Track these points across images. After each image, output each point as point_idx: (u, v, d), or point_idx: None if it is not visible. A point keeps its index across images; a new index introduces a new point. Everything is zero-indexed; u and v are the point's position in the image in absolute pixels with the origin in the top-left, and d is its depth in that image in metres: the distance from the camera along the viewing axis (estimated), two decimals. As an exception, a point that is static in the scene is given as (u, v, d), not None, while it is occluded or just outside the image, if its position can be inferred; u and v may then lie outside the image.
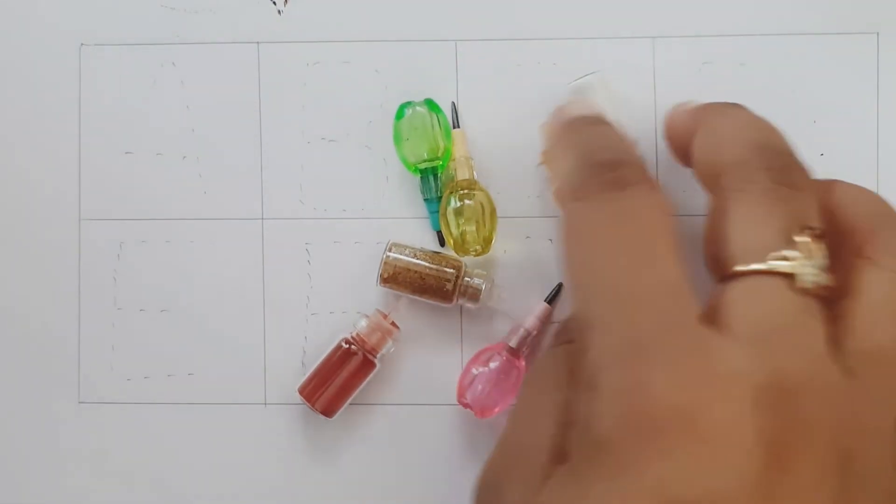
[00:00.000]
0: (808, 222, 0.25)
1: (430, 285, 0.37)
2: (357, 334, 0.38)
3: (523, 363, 0.37)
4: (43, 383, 0.40)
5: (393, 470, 0.39)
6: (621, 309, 0.23)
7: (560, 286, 0.39)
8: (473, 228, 0.37)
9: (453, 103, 0.39)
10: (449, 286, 0.37)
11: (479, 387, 0.37)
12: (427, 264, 0.37)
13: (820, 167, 0.38)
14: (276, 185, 0.40)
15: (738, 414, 0.21)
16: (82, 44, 0.41)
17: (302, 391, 0.38)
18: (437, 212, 0.38)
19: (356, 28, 0.40)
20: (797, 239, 0.24)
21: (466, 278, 0.38)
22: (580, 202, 0.26)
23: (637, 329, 0.22)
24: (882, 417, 0.23)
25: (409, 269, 0.37)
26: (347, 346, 0.38)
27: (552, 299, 0.38)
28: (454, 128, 0.39)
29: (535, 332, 0.38)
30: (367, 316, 0.38)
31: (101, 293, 0.40)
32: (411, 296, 0.38)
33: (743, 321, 0.23)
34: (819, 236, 0.24)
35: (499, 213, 0.39)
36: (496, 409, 0.37)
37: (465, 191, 0.38)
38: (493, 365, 0.37)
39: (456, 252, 0.38)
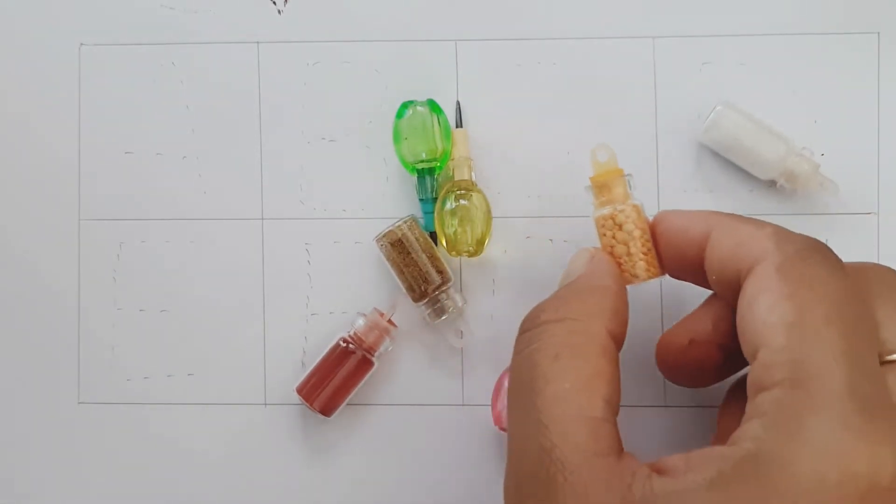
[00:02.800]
0: None
1: (413, 275, 0.37)
2: (355, 333, 0.38)
3: None
4: (43, 383, 0.40)
5: (393, 470, 0.39)
6: (848, 370, 0.24)
7: None
8: (467, 229, 0.37)
9: (458, 102, 0.39)
10: (425, 288, 0.37)
11: None
12: (425, 258, 0.38)
13: (821, 165, 0.38)
14: (276, 185, 0.40)
15: None
16: (82, 44, 0.41)
17: (300, 391, 0.38)
18: (432, 212, 0.38)
19: (356, 28, 0.40)
20: None
21: (443, 294, 0.38)
22: (815, 267, 0.27)
23: (860, 400, 0.24)
24: None
25: (407, 251, 0.37)
26: (345, 345, 0.38)
27: None
28: (457, 127, 0.39)
29: None
30: (364, 315, 0.38)
31: (101, 293, 0.40)
32: (390, 267, 0.38)
33: None
34: None
35: (498, 213, 0.39)
36: None
37: (462, 191, 0.38)
38: None
39: (448, 252, 0.38)
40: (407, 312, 0.39)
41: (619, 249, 0.33)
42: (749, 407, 0.25)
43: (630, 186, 0.34)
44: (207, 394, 0.40)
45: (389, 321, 0.38)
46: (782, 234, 0.28)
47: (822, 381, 0.24)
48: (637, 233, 0.33)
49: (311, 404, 0.38)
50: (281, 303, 0.40)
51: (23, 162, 0.41)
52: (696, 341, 0.32)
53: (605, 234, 0.34)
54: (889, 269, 0.29)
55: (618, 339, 0.30)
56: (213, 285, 0.40)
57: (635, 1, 0.40)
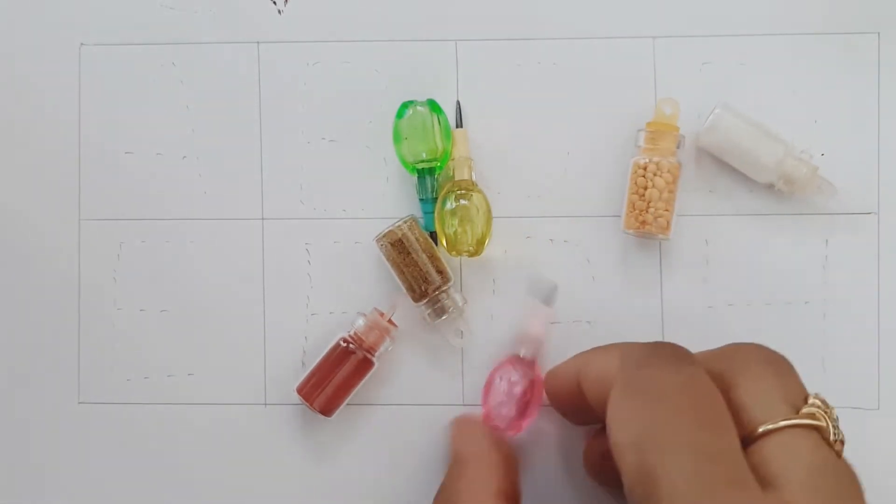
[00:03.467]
0: (804, 391, 0.28)
1: (413, 275, 0.37)
2: (355, 333, 0.38)
3: (539, 370, 0.37)
4: (43, 383, 0.40)
5: (393, 470, 0.39)
6: (694, 469, 0.24)
7: (556, 287, 0.39)
8: (467, 229, 0.37)
9: (458, 102, 0.39)
10: (425, 288, 0.37)
11: (504, 411, 0.37)
12: (425, 258, 0.37)
13: (820, 167, 0.38)
14: (276, 185, 0.40)
15: None
16: (82, 44, 0.41)
17: (300, 390, 0.38)
18: (432, 212, 0.38)
19: (356, 28, 0.40)
20: (812, 399, 0.27)
21: (443, 294, 0.38)
22: (649, 369, 0.28)
23: (709, 489, 0.24)
24: None
25: (407, 251, 0.37)
26: (346, 344, 0.38)
27: (550, 300, 0.38)
28: (457, 127, 0.39)
29: (543, 339, 0.38)
30: (364, 315, 0.38)
31: (101, 293, 0.40)
32: (390, 267, 0.38)
33: (792, 471, 0.25)
34: (824, 403, 0.27)
35: (499, 212, 0.39)
36: (525, 424, 0.37)
37: (462, 191, 0.38)
38: (517, 390, 0.37)
39: (448, 252, 0.38)
40: (407, 312, 0.39)
41: (649, 194, 0.37)
42: None
43: (678, 145, 0.37)
44: (207, 394, 0.40)
45: (389, 321, 0.38)
46: (626, 352, 0.30)
47: (669, 483, 0.24)
48: (664, 186, 0.37)
49: (311, 404, 0.38)
50: (281, 303, 0.40)
51: (23, 162, 0.41)
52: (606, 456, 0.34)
53: (636, 181, 0.37)
54: (756, 346, 0.30)
55: (509, 496, 0.33)
56: (213, 285, 0.40)
57: (635, 1, 0.40)
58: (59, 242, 0.41)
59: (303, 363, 0.40)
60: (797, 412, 0.27)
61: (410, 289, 0.38)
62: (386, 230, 0.38)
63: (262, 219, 0.40)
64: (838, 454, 0.27)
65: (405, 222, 0.38)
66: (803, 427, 0.26)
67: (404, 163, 0.39)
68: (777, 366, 0.29)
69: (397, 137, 0.39)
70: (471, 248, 0.38)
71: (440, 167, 0.39)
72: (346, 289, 0.40)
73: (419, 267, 0.37)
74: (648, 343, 0.30)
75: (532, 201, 0.40)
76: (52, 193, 0.41)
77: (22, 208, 0.41)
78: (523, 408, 0.37)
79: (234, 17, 0.41)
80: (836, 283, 0.39)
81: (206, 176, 0.40)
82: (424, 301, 0.38)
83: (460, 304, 0.38)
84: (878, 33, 0.39)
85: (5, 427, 0.40)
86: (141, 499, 0.40)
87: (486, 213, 0.38)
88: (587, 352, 0.33)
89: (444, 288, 0.38)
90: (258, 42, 0.41)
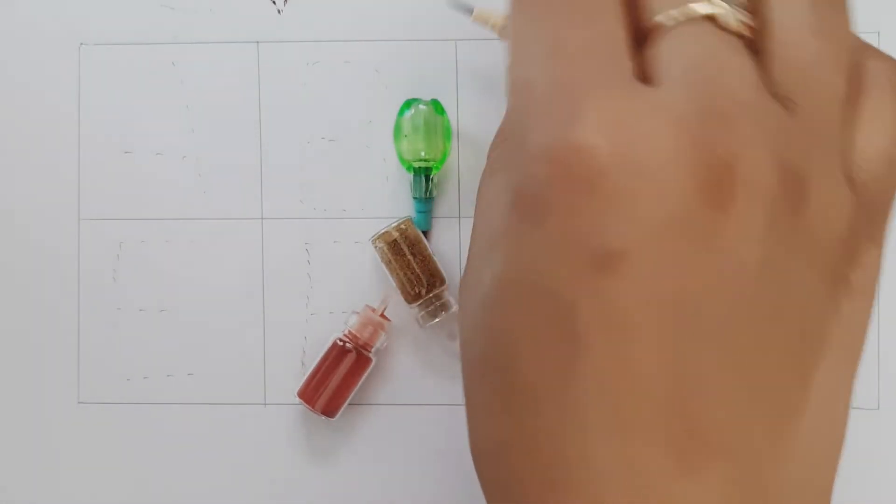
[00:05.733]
0: None
1: (408, 276, 0.37)
2: (350, 331, 0.38)
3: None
4: (42, 383, 0.40)
5: (393, 470, 0.39)
6: (557, 61, 0.21)
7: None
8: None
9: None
10: (419, 290, 0.37)
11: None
12: (419, 260, 0.37)
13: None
14: (276, 185, 0.40)
15: (672, 149, 0.19)
16: (82, 43, 0.41)
17: (301, 394, 0.38)
18: (424, 211, 0.39)
19: (356, 28, 0.40)
20: None
21: (437, 297, 0.38)
22: None
23: (570, 80, 0.20)
24: (827, 150, 0.21)
25: (402, 252, 0.37)
26: (342, 343, 0.38)
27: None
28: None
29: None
30: (357, 312, 0.38)
31: (101, 293, 0.40)
32: (385, 269, 0.38)
33: (672, 66, 0.21)
34: None
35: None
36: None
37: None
38: None
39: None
40: (406, 312, 0.39)
41: None
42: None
43: None
44: (207, 394, 0.40)
45: (382, 315, 0.38)
46: None
47: (528, 89, 0.21)
48: None
49: (313, 407, 0.38)
50: (281, 303, 0.40)
51: (23, 162, 0.41)
52: None
53: None
54: None
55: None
56: (213, 285, 0.40)
57: (635, 1, 0.40)
58: (59, 242, 0.41)
59: (302, 363, 0.40)
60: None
61: (404, 290, 0.38)
62: (381, 231, 0.38)
63: (262, 219, 0.40)
64: (740, 35, 0.22)
65: (401, 223, 0.38)
66: (697, 20, 0.21)
67: (402, 160, 0.39)
68: None
69: (398, 134, 0.39)
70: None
71: (437, 167, 0.39)
72: (345, 289, 0.40)
73: (413, 269, 0.37)
74: None
75: (532, 201, 0.40)
76: (52, 193, 0.41)
77: (21, 208, 0.41)
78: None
79: (234, 17, 0.41)
80: (836, 282, 0.39)
81: (206, 176, 0.40)
82: (418, 303, 0.38)
83: (453, 306, 0.38)
84: (878, 33, 0.39)
85: (5, 427, 0.40)
86: (141, 499, 0.40)
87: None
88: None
89: (438, 290, 0.38)
90: (258, 42, 0.41)
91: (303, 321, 0.40)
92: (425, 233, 0.39)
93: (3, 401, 0.40)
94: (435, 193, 0.39)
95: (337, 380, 0.38)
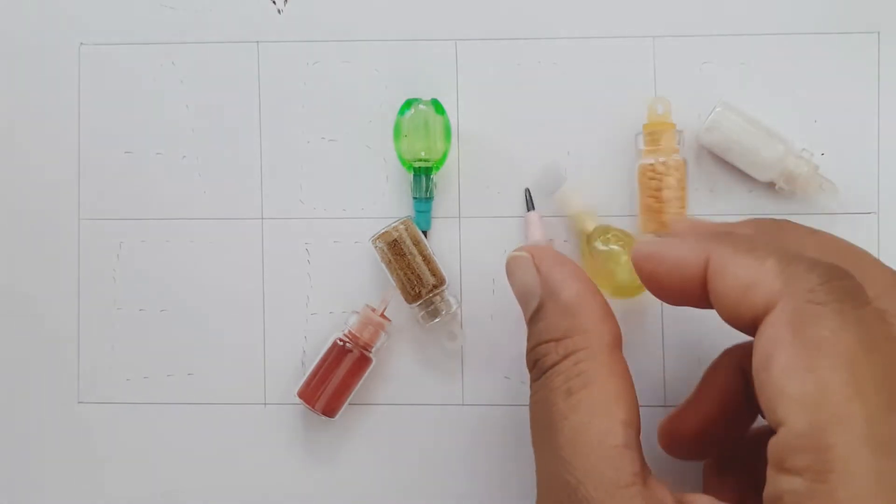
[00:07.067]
0: None
1: (408, 276, 0.37)
2: (350, 331, 0.38)
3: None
4: (42, 383, 0.40)
5: (393, 470, 0.39)
6: (876, 461, 0.23)
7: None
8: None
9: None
10: (420, 290, 0.37)
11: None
12: (419, 260, 0.37)
13: (820, 167, 0.38)
14: (276, 185, 0.40)
15: None
16: (82, 43, 0.41)
17: (301, 394, 0.38)
18: (424, 211, 0.39)
19: (356, 28, 0.40)
20: None
21: (437, 297, 0.38)
22: (821, 306, 0.25)
23: (890, 490, 0.22)
24: None
25: (402, 252, 0.37)
26: (342, 343, 0.38)
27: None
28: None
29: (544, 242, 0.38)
30: (357, 312, 0.38)
31: (101, 293, 0.40)
32: (385, 268, 0.38)
33: None
34: None
35: (499, 212, 0.39)
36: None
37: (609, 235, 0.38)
38: None
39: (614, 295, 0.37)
40: (406, 312, 0.39)
41: (665, 195, 0.37)
42: (769, 484, 0.24)
43: (678, 142, 0.37)
44: (207, 394, 0.40)
45: (382, 315, 0.38)
46: (789, 270, 0.25)
47: (846, 474, 0.22)
48: (676, 184, 0.37)
49: (313, 407, 0.38)
50: (281, 303, 0.40)
51: (23, 162, 0.41)
52: (707, 431, 0.32)
53: (644, 183, 0.37)
54: None
55: (618, 342, 0.29)
56: (213, 285, 0.40)
57: (635, 1, 0.40)
58: (59, 242, 0.41)
59: (302, 363, 0.40)
60: None
61: (404, 290, 0.38)
62: (381, 231, 0.38)
63: (262, 218, 0.40)
64: None
65: (401, 223, 0.38)
66: None
67: (402, 160, 0.39)
68: None
69: (397, 134, 0.39)
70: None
71: (437, 167, 0.39)
72: (345, 289, 0.40)
73: (414, 269, 0.37)
74: (811, 259, 0.26)
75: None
76: (52, 193, 0.41)
77: (21, 208, 0.41)
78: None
79: (234, 17, 0.41)
80: (836, 282, 0.39)
81: (206, 176, 0.40)
82: (418, 303, 0.38)
83: (454, 306, 0.38)
84: (878, 33, 0.39)
85: (5, 427, 0.40)
86: (141, 499, 0.40)
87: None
88: (713, 240, 0.28)
89: (439, 290, 0.38)
90: (258, 42, 0.41)
91: (303, 321, 0.40)
92: (425, 233, 0.39)
93: (3, 401, 0.40)
94: (435, 193, 0.39)
95: (337, 380, 0.38)
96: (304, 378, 0.38)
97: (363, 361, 0.38)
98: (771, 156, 0.37)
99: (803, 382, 0.24)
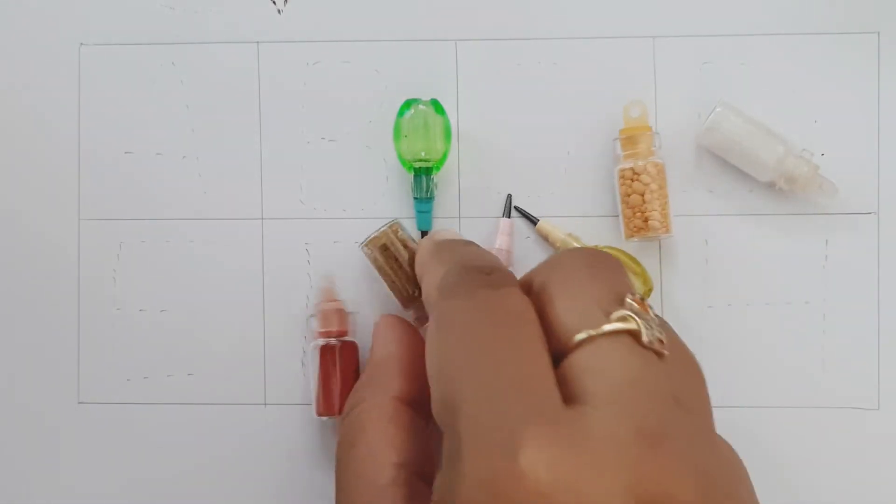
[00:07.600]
0: (623, 292, 0.26)
1: (401, 280, 0.37)
2: (319, 332, 0.38)
3: None
4: (42, 383, 0.40)
5: (393, 470, 0.39)
6: (491, 396, 0.23)
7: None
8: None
9: (509, 196, 0.39)
10: (413, 292, 0.37)
11: None
12: (411, 260, 0.37)
13: (820, 167, 0.38)
14: (276, 185, 0.40)
15: (610, 479, 0.21)
16: (82, 44, 0.41)
17: (321, 412, 0.37)
18: (425, 211, 0.39)
19: (356, 28, 0.40)
20: (628, 301, 0.25)
21: None
22: (455, 299, 0.27)
23: (505, 415, 0.23)
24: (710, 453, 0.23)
25: (394, 256, 0.37)
26: (324, 342, 0.38)
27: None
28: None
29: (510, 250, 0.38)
30: (313, 315, 0.38)
31: (101, 293, 0.40)
32: (378, 275, 0.38)
33: (597, 385, 0.23)
34: (641, 300, 0.26)
35: (497, 213, 0.39)
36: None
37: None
38: None
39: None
40: (405, 315, 0.39)
41: (635, 200, 0.37)
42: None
43: (655, 145, 0.38)
44: (207, 394, 0.40)
45: (333, 300, 0.38)
46: (446, 272, 0.29)
47: (467, 418, 0.23)
48: (654, 187, 0.37)
49: (337, 415, 0.37)
50: (281, 303, 0.40)
51: (23, 162, 0.41)
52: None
53: (623, 185, 0.38)
54: (578, 251, 0.29)
55: (411, 399, 0.33)
56: (213, 285, 0.40)
57: (635, 1, 0.40)
58: (59, 242, 0.41)
59: (302, 363, 0.40)
60: (619, 306, 0.25)
61: (398, 294, 0.37)
62: (371, 236, 0.37)
63: (262, 219, 0.40)
64: (658, 354, 0.25)
65: (390, 227, 0.37)
66: (615, 333, 0.24)
67: (402, 160, 0.39)
68: (594, 269, 0.27)
69: (397, 134, 0.39)
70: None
71: (437, 167, 0.39)
72: (345, 289, 0.40)
73: (406, 271, 0.37)
74: (470, 265, 0.29)
75: (532, 201, 0.40)
76: (52, 193, 0.41)
77: (21, 208, 0.41)
78: None
79: (234, 17, 0.41)
80: (836, 283, 0.39)
81: (206, 176, 0.40)
82: (414, 305, 0.38)
83: None
84: (878, 33, 0.39)
85: (5, 427, 0.40)
86: (141, 499, 0.40)
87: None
88: (432, 254, 0.32)
89: None
90: (258, 42, 0.41)
91: (303, 321, 0.40)
92: (425, 233, 0.39)
93: (3, 401, 0.40)
94: (435, 193, 0.39)
95: (339, 378, 0.38)
96: (313, 396, 0.38)
97: (350, 348, 0.38)
98: (771, 156, 0.37)
99: (433, 362, 0.26)
